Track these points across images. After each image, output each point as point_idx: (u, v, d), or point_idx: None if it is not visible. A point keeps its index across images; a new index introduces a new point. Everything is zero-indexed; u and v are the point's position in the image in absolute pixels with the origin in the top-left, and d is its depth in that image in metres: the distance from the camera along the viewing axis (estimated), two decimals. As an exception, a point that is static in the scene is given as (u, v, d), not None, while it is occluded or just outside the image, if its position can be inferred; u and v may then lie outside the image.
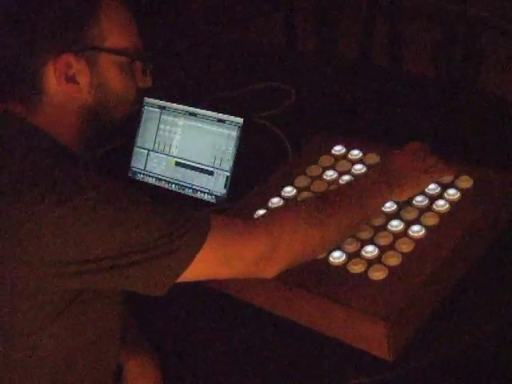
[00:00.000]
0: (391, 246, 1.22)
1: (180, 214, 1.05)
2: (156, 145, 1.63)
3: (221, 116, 1.56)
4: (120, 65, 1.10)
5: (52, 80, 1.06)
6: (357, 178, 1.34)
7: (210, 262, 1.05)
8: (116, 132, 1.17)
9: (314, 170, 1.43)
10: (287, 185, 1.40)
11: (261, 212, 1.33)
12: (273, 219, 1.11)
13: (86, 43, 1.06)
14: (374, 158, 1.41)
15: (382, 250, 1.21)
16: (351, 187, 1.23)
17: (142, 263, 1.01)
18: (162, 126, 1.63)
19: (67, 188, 0.99)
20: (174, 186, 1.60)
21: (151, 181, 1.63)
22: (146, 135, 1.65)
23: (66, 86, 1.06)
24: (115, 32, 1.08)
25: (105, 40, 1.07)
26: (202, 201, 1.55)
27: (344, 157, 1.45)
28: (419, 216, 1.26)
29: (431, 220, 1.25)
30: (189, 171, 1.58)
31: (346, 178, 1.38)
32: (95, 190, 1.00)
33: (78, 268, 1.00)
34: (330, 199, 1.16)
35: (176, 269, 1.03)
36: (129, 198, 1.02)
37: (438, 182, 1.32)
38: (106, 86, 1.09)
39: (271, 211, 1.18)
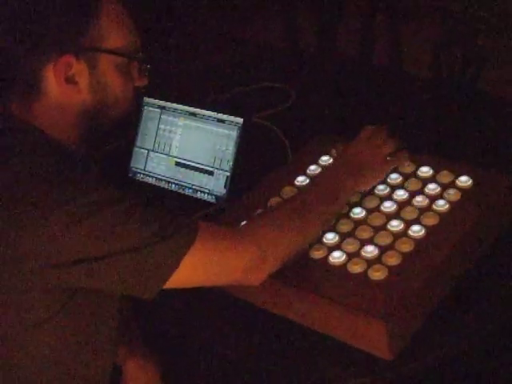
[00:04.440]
0: (391, 246, 1.22)
1: (170, 217, 1.06)
2: (156, 145, 1.63)
3: (221, 116, 1.56)
4: (118, 65, 1.10)
5: (52, 81, 1.06)
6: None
7: (197, 268, 1.06)
8: (116, 132, 1.18)
9: (313, 170, 1.43)
10: (287, 185, 1.40)
11: (260, 212, 1.33)
12: (258, 229, 1.13)
13: (86, 44, 1.06)
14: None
15: (382, 250, 1.21)
16: (322, 185, 1.25)
17: (132, 264, 1.02)
18: (161, 126, 1.63)
19: (68, 190, 1.00)
20: (173, 186, 1.60)
21: (151, 181, 1.63)
22: (146, 135, 1.65)
23: (65, 87, 1.07)
24: (114, 32, 1.08)
25: (104, 41, 1.07)
26: (202, 201, 1.55)
27: (344, 157, 1.44)
28: (419, 216, 1.26)
29: (431, 220, 1.25)
30: (189, 171, 1.58)
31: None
32: (94, 193, 1.01)
33: (71, 268, 1.00)
34: (305, 201, 1.19)
35: (165, 270, 1.03)
36: (125, 201, 1.03)
37: (437, 182, 1.32)
38: (105, 86, 1.10)
39: (254, 220, 1.19)
